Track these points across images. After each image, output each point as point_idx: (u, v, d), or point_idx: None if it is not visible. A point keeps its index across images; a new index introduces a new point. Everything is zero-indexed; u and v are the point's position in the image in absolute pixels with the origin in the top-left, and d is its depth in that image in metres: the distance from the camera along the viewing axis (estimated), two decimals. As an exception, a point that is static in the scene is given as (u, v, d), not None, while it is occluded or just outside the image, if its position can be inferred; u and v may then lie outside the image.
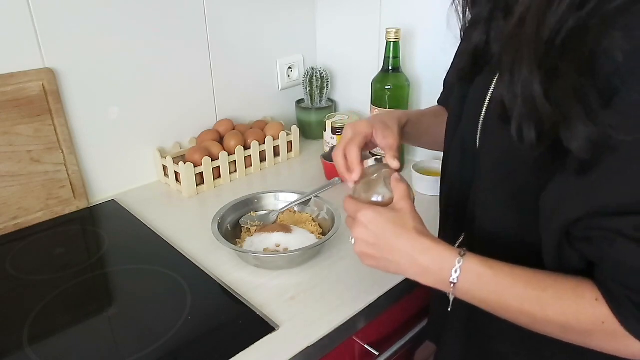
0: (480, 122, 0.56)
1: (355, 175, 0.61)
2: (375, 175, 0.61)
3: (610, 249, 0.42)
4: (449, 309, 0.56)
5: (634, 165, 0.40)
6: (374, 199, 0.59)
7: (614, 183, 0.41)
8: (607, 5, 0.39)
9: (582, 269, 0.46)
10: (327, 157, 1.04)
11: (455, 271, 0.49)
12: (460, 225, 0.64)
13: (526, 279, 0.47)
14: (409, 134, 0.71)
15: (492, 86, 0.54)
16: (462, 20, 0.59)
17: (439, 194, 1.05)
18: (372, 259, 0.55)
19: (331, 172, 0.95)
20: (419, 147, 0.86)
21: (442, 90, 0.79)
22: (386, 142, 0.64)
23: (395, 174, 0.59)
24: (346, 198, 0.59)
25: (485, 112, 0.55)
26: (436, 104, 0.80)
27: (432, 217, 0.93)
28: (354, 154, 0.62)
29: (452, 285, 0.49)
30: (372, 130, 0.65)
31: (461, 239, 0.64)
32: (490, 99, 0.54)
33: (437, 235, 0.68)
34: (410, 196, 0.57)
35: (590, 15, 0.40)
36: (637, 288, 0.41)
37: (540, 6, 0.41)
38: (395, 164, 0.62)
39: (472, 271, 0.49)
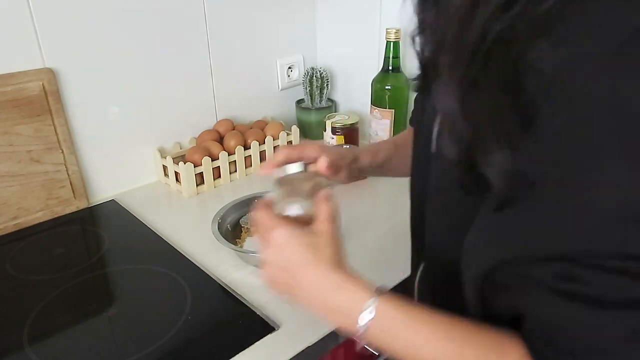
0: (433, 136, 0.49)
1: (263, 170, 0.60)
2: (303, 184, 0.55)
3: (528, 299, 0.37)
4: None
5: (554, 206, 0.33)
6: (291, 210, 0.52)
7: (533, 225, 0.35)
8: (534, 7, 0.32)
9: (509, 319, 0.41)
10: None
11: (367, 313, 0.43)
12: (420, 251, 0.58)
13: (446, 330, 0.41)
14: (364, 170, 0.72)
15: None
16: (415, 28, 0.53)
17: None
18: (281, 286, 0.49)
19: None
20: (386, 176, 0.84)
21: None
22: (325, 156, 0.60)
23: (324, 191, 0.52)
24: (259, 205, 0.51)
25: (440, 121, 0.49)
26: None
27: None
28: (280, 153, 0.60)
29: (361, 330, 0.43)
30: (321, 154, 0.61)
31: (422, 266, 0.58)
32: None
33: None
34: (336, 218, 0.49)
35: (516, 19, 0.32)
36: (561, 346, 0.36)
37: (466, 5, 0.34)
38: (322, 162, 0.57)
39: (385, 316, 0.43)
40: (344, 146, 1.10)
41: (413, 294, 0.61)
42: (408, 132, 0.76)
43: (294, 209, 0.52)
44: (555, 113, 0.32)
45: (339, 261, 0.47)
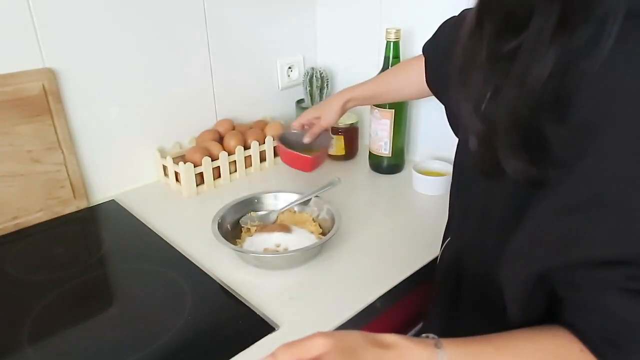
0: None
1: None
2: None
3: (601, 300, 0.41)
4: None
5: (622, 213, 0.37)
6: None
7: (602, 234, 0.39)
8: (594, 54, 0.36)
9: (544, 313, 0.46)
10: (284, 139, 1.00)
11: None
12: (448, 224, 0.63)
13: (513, 350, 0.45)
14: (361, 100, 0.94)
15: None
16: None
17: (438, 194, 1.05)
18: None
19: (285, 155, 0.98)
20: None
21: (433, 34, 0.79)
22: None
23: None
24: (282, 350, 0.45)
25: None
26: (436, 100, 0.81)
27: (432, 217, 0.94)
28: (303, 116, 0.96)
29: None
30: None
31: (448, 239, 0.63)
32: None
33: (442, 235, 0.69)
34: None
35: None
36: (624, 339, 0.40)
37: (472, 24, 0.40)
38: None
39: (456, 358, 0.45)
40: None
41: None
42: (407, 64, 0.89)
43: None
44: (620, 129, 0.35)
45: (376, 339, 0.46)
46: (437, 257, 0.69)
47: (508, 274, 0.46)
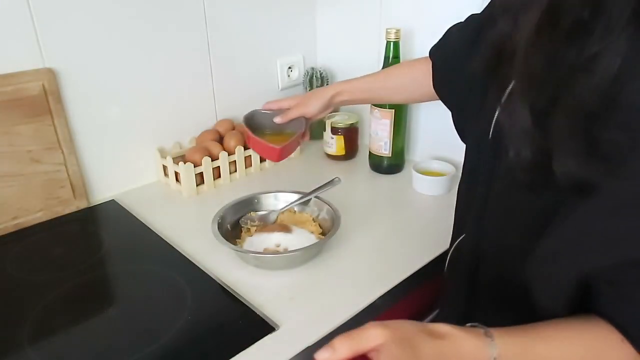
0: (494, 121, 0.55)
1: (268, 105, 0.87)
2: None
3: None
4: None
5: None
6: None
7: None
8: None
9: (576, 304, 0.48)
10: (251, 121, 0.90)
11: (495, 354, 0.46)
12: (463, 222, 0.64)
13: (551, 336, 0.47)
14: (349, 101, 0.89)
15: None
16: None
17: (438, 194, 1.05)
18: None
19: (251, 142, 0.88)
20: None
21: (440, 39, 0.79)
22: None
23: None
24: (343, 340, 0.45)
25: (500, 110, 0.54)
26: (435, 101, 0.81)
27: (432, 217, 0.94)
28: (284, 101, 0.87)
29: None
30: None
31: (462, 236, 0.64)
32: (508, 94, 0.52)
33: (451, 231, 0.70)
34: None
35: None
36: None
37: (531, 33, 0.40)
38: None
39: (508, 349, 0.46)
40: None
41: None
42: (410, 66, 0.87)
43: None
44: None
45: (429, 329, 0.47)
46: (447, 252, 0.69)
47: (544, 274, 0.48)
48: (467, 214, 0.63)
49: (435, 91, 0.79)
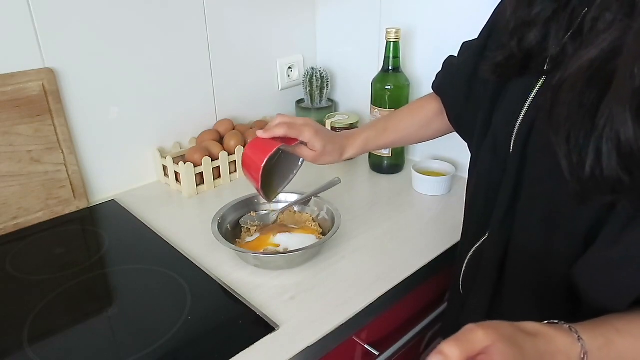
0: (517, 127, 0.56)
1: (263, 133, 0.72)
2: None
3: None
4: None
5: None
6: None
7: None
8: None
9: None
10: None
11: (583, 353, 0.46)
12: (484, 224, 0.64)
13: (626, 329, 0.48)
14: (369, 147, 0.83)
15: (535, 91, 0.54)
16: (511, 14, 0.56)
17: (438, 194, 1.05)
18: None
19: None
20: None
21: (440, 72, 0.79)
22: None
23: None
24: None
25: (524, 117, 0.55)
26: (454, 128, 0.81)
27: (432, 217, 0.94)
28: (280, 126, 0.72)
29: None
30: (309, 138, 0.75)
31: (484, 238, 0.64)
32: (530, 104, 0.54)
33: (460, 232, 0.71)
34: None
35: None
36: None
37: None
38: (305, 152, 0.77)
39: (593, 346, 0.47)
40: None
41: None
42: (423, 101, 0.84)
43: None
44: None
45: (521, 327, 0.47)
46: (449, 252, 0.69)
47: (613, 278, 0.49)
48: (486, 215, 0.63)
49: (453, 125, 0.80)
